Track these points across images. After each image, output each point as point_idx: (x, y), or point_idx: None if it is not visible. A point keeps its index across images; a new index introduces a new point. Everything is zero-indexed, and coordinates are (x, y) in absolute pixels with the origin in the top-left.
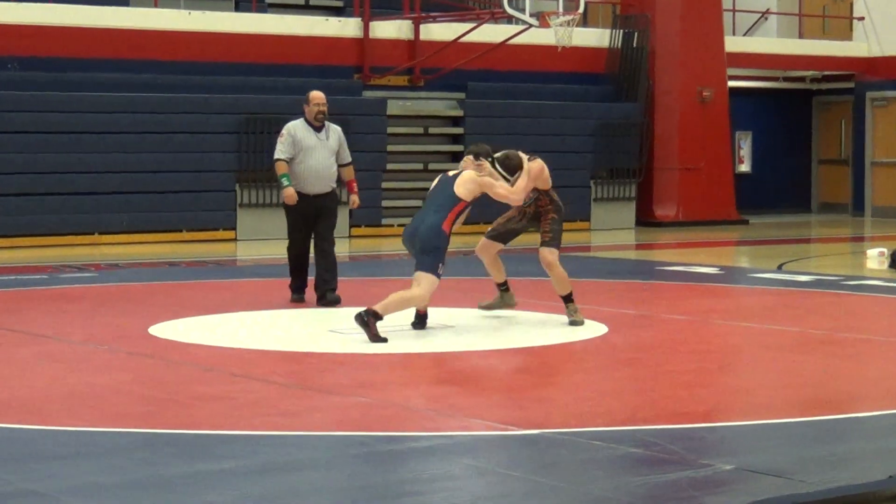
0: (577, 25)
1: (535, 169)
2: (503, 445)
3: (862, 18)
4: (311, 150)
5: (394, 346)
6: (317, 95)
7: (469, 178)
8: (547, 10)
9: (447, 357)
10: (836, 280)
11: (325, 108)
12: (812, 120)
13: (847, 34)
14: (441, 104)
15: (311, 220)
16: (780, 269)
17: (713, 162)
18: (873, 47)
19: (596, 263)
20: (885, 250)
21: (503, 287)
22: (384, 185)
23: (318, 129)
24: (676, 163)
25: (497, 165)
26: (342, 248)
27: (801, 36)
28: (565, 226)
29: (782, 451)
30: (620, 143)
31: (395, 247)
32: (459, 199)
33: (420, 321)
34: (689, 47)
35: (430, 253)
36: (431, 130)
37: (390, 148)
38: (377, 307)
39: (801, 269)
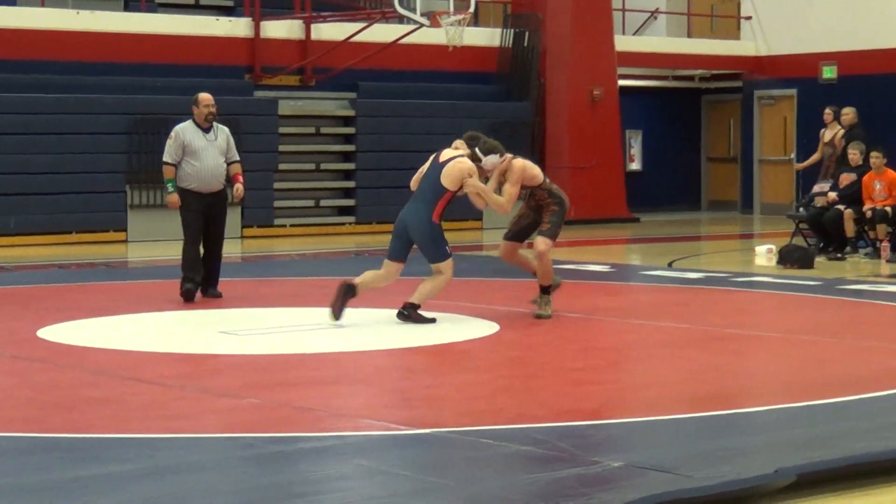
0: (468, 25)
1: (516, 172)
2: (394, 445)
3: (749, 18)
4: (202, 151)
5: (284, 347)
6: (205, 97)
7: (456, 170)
8: (438, 10)
9: (338, 357)
10: (725, 277)
11: (214, 110)
12: (701, 118)
13: (735, 33)
14: (332, 104)
15: (204, 218)
16: (670, 266)
17: (604, 160)
18: (761, 46)
19: (488, 262)
20: (773, 247)
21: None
22: (276, 185)
23: (206, 129)
24: (567, 161)
25: (477, 149)
26: (235, 249)
27: (689, 35)
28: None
29: (670, 447)
30: (512, 143)
31: (287, 246)
32: (446, 190)
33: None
34: (580, 47)
35: (430, 245)
36: (323, 130)
37: (282, 148)
38: (414, 300)
39: (691, 267)
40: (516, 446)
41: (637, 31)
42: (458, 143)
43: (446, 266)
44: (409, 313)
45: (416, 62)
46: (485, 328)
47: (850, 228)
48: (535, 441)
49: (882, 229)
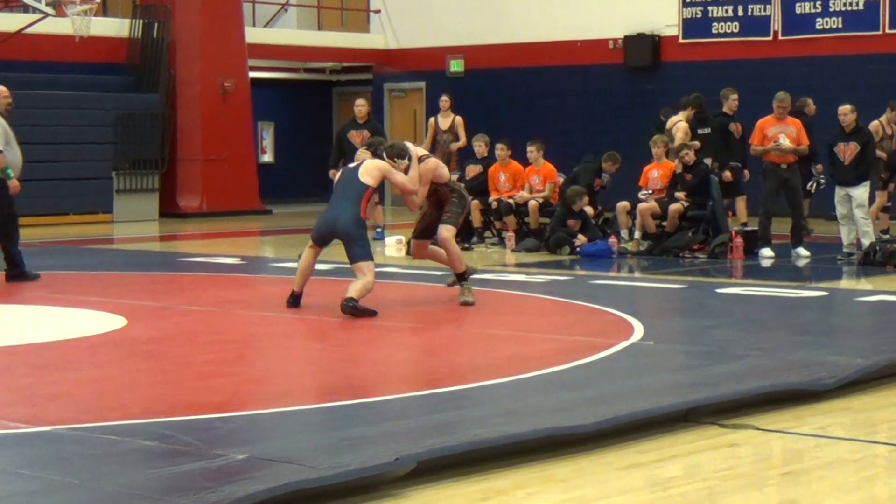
0: (95, 15)
1: (429, 166)
2: (13, 444)
3: (378, 11)
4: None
5: None
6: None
7: (373, 167)
8: None
9: None
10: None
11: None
12: (332, 110)
13: (364, 27)
14: None
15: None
16: (300, 258)
17: (236, 152)
18: (390, 40)
19: (118, 256)
20: (402, 238)
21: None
22: None
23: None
24: (199, 154)
25: (386, 155)
26: None
27: (320, 28)
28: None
29: (296, 439)
30: (142, 134)
31: None
32: (367, 186)
33: (295, 301)
34: (209, 38)
35: (358, 242)
36: None
37: None
38: (354, 295)
39: (324, 258)
40: (140, 441)
41: (268, 23)
42: (362, 152)
43: (369, 267)
44: (355, 305)
45: (43, 53)
46: (112, 322)
47: (476, 219)
48: (160, 436)
49: (512, 220)
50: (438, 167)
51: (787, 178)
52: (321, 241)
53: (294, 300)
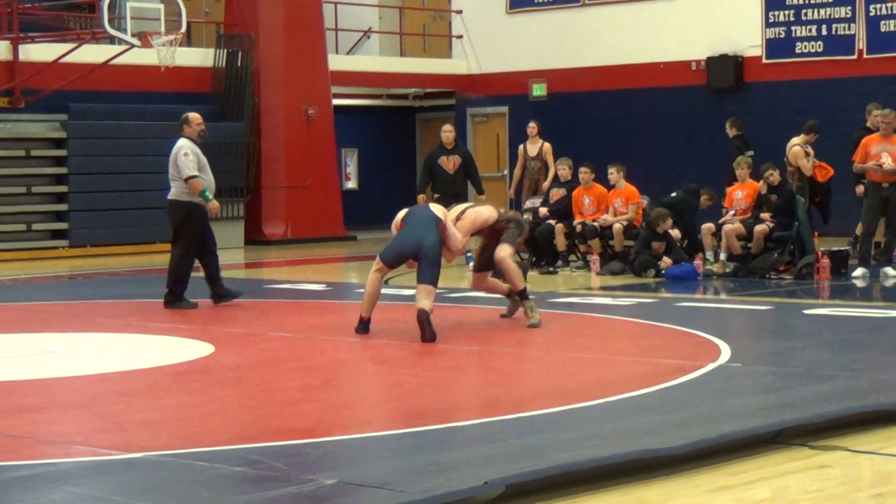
0: (180, 45)
1: (466, 224)
2: (106, 471)
3: (460, 37)
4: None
5: None
6: (196, 116)
7: (442, 212)
8: (149, 30)
9: (49, 384)
10: (439, 293)
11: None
12: (416, 136)
13: (447, 52)
14: (43, 126)
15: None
16: (386, 283)
17: (320, 179)
18: (472, 65)
19: (205, 284)
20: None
21: (514, 295)
22: None
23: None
24: (284, 181)
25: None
26: None
27: (402, 54)
28: None
29: (383, 463)
30: (227, 163)
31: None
32: (440, 220)
33: (365, 326)
34: (293, 66)
35: (436, 265)
36: (34, 153)
37: None
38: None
39: (407, 283)
40: (230, 467)
41: (350, 50)
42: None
43: (432, 292)
44: (429, 318)
45: (129, 83)
46: (200, 349)
47: (561, 242)
48: (250, 461)
49: (597, 244)
50: (476, 219)
51: (888, 196)
52: (397, 261)
53: (364, 326)
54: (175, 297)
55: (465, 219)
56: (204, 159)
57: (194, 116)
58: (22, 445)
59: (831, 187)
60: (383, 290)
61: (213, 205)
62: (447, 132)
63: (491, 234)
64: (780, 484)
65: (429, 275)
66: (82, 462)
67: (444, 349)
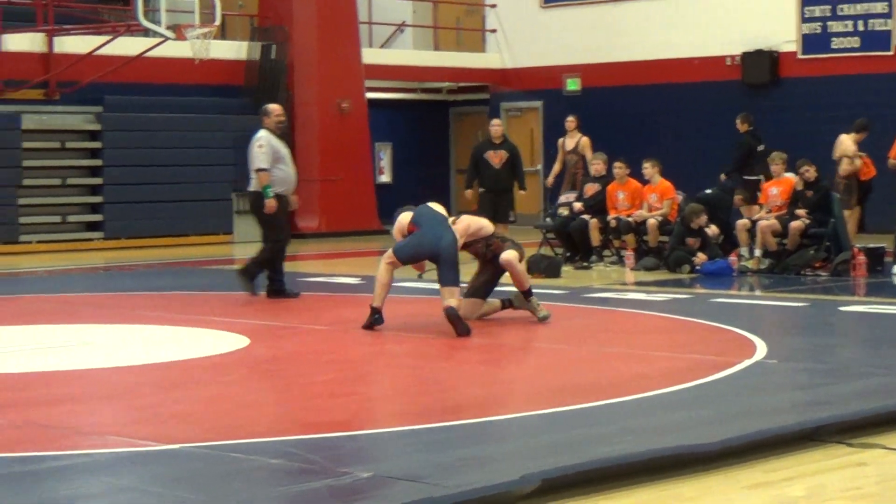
0: (214, 38)
1: (460, 228)
2: (142, 461)
3: (494, 31)
4: (287, 157)
5: (31, 365)
6: (276, 108)
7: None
8: (183, 23)
9: (86, 374)
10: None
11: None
12: (449, 130)
13: (480, 46)
14: (78, 118)
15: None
16: (420, 277)
17: (354, 173)
18: (506, 59)
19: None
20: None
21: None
22: (21, 201)
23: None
24: (317, 174)
25: None
26: None
27: (436, 48)
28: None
29: (419, 457)
30: None
31: (34, 263)
32: (447, 216)
33: (378, 317)
34: (327, 59)
35: (455, 267)
36: (69, 145)
37: (26, 163)
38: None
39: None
40: (266, 459)
41: (384, 43)
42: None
43: (456, 293)
44: (458, 313)
45: (163, 75)
46: (235, 342)
47: (595, 238)
48: (285, 454)
49: (631, 239)
50: (469, 226)
51: None
52: (411, 260)
53: (378, 317)
54: (277, 287)
55: (459, 223)
56: (284, 151)
57: (273, 107)
58: (59, 436)
59: (871, 186)
60: (419, 285)
61: (270, 203)
62: (496, 126)
63: (488, 253)
64: (816, 482)
65: (451, 277)
66: (119, 453)
67: (478, 343)
